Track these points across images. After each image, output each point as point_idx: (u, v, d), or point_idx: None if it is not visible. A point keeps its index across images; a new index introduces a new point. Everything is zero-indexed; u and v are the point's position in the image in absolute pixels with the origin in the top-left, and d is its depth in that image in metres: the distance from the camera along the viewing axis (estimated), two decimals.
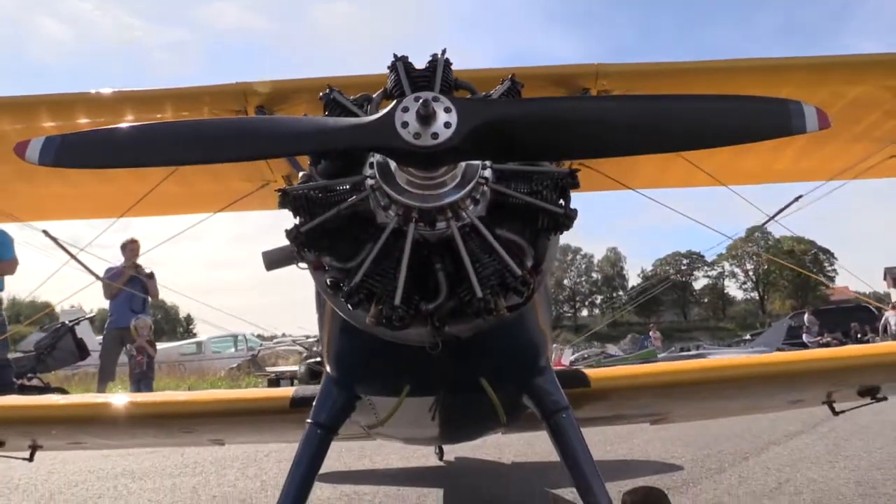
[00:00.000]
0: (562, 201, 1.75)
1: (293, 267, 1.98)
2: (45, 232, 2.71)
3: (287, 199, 1.74)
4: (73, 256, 2.72)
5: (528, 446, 7.15)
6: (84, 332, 14.19)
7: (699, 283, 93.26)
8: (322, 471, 5.83)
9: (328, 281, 1.83)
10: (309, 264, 1.87)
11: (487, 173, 1.72)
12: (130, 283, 12.59)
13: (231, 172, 3.36)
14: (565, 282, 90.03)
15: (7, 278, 9.88)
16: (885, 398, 3.36)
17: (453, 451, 6.51)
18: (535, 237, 1.80)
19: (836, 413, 3.66)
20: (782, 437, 6.60)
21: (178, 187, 3.35)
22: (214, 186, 3.53)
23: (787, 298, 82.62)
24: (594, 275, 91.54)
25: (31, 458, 3.60)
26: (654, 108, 1.65)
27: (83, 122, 2.86)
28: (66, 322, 14.35)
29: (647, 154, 1.74)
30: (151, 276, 12.31)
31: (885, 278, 49.70)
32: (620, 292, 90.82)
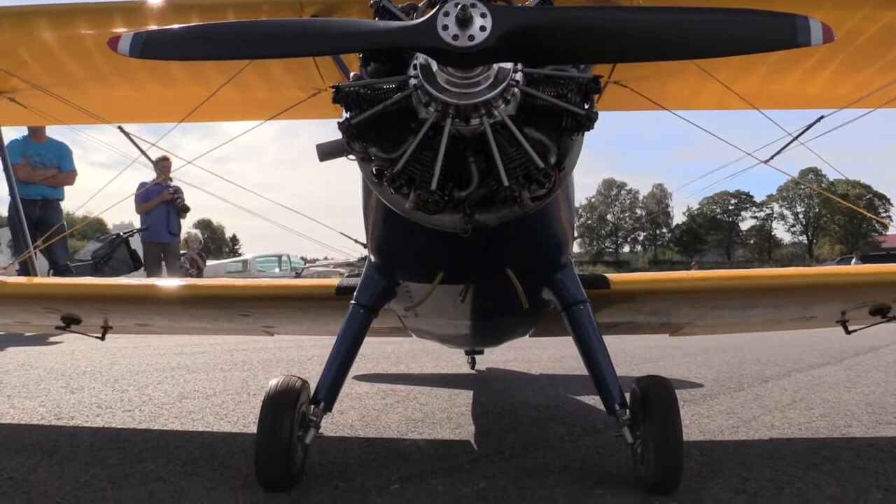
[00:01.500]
0: (585, 105, 1.94)
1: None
2: (119, 128, 2.99)
3: (340, 95, 1.97)
4: (143, 152, 3.01)
5: (557, 362, 7.47)
6: (136, 244, 14.80)
7: (746, 224, 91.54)
8: (359, 372, 6.21)
9: (374, 170, 2.07)
10: (357, 155, 2.11)
11: (518, 76, 1.92)
12: (165, 204, 13.24)
13: (285, 79, 3.58)
14: (608, 216, 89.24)
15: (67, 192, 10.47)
16: (895, 318, 3.52)
17: (484, 364, 6.86)
18: (559, 136, 2.01)
19: (848, 332, 3.84)
20: (806, 367, 6.77)
21: (235, 93, 3.59)
22: (269, 94, 3.77)
23: (837, 244, 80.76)
24: (638, 211, 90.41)
25: (102, 337, 4.02)
26: (674, 19, 1.82)
27: (153, 28, 3.10)
28: (121, 234, 14.96)
29: (665, 59, 1.91)
30: (185, 208, 13.06)
31: None
32: (664, 229, 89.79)
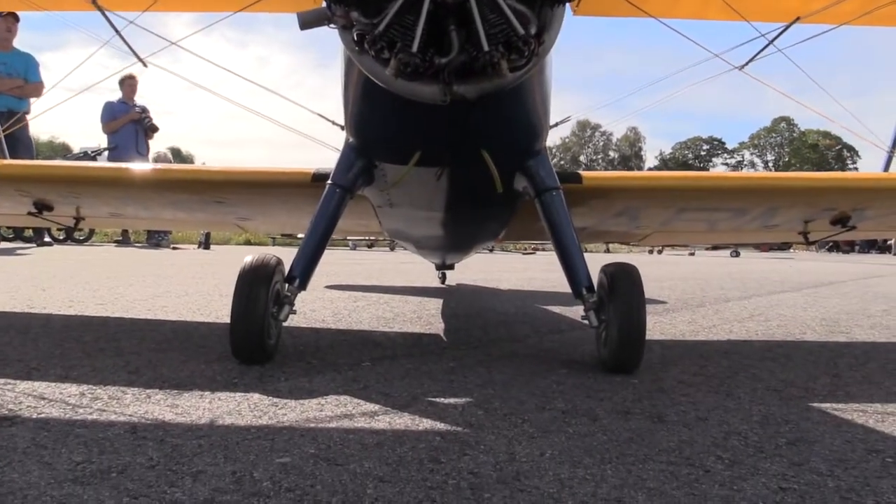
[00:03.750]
0: None
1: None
2: (93, 2, 2.90)
3: None
4: (117, 32, 2.93)
5: (526, 281, 7.61)
6: (103, 163, 14.52)
7: (717, 171, 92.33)
8: (330, 283, 6.26)
9: (354, 37, 2.06)
10: (338, 21, 2.10)
11: None
12: (133, 124, 12.98)
13: None
14: (581, 158, 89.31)
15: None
16: (854, 227, 3.64)
17: (454, 282, 6.96)
18: (540, 9, 2.01)
19: (808, 242, 3.96)
20: (766, 293, 6.99)
21: None
22: None
23: None
24: (611, 153, 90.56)
25: (75, 227, 4.00)
26: None
27: None
28: (88, 152, 14.63)
29: None
30: (153, 128, 12.87)
31: None
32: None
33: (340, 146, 2.76)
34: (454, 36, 1.96)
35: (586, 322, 2.59)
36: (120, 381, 2.18)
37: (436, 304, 4.89)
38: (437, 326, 3.79)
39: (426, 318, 4.11)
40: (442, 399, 2.09)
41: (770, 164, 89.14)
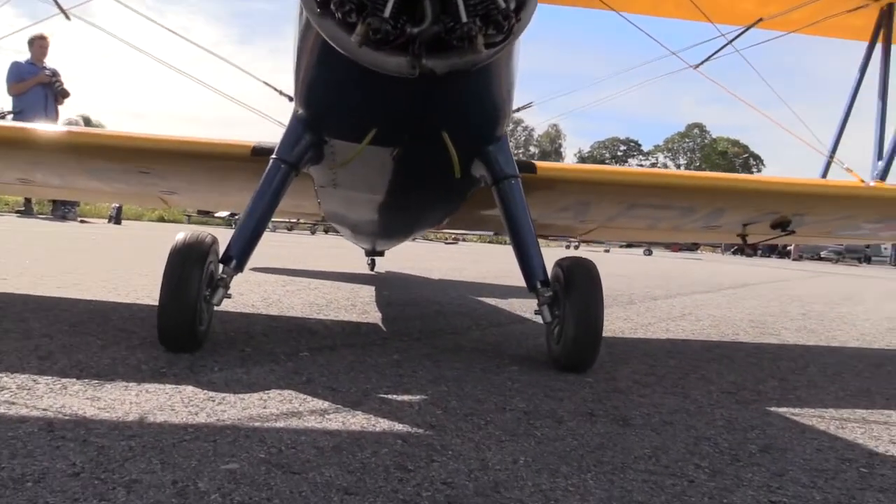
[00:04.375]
0: None
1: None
2: None
3: None
4: None
5: (456, 271, 7.51)
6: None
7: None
8: (255, 266, 5.99)
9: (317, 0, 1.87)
10: None
11: None
12: (42, 87, 12.17)
13: None
14: None
15: None
16: (793, 231, 3.69)
17: (382, 269, 6.79)
18: None
19: (747, 245, 4.00)
20: (688, 293, 7.13)
21: None
22: None
23: None
24: (532, 149, 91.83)
25: None
26: None
27: None
28: None
29: None
30: (64, 92, 12.12)
31: None
32: None
33: (283, 121, 2.55)
34: (428, 4, 1.81)
35: (538, 317, 2.49)
36: (30, 369, 1.93)
37: (368, 292, 4.72)
38: (374, 315, 3.63)
39: (361, 305, 3.94)
40: (394, 396, 1.94)
41: (682, 167, 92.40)
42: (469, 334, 3.27)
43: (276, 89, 2.95)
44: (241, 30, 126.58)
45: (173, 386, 1.85)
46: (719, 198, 3.12)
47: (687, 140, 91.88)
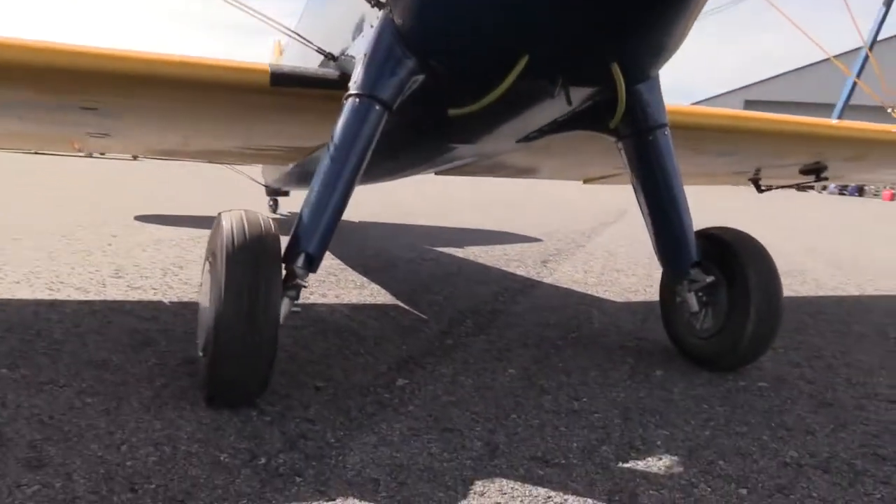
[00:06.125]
0: None
1: None
2: None
3: None
4: None
5: (441, 217, 6.60)
6: None
7: None
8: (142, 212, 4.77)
9: None
10: None
11: None
12: None
13: None
14: None
15: None
16: (826, 178, 3.35)
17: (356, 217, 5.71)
18: None
19: (760, 190, 3.64)
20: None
21: None
22: None
23: None
24: None
25: None
26: None
27: None
28: None
29: None
30: None
31: None
32: None
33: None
34: None
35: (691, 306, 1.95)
36: None
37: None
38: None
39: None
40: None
41: None
42: (602, 338, 2.60)
43: None
44: None
45: None
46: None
47: None
